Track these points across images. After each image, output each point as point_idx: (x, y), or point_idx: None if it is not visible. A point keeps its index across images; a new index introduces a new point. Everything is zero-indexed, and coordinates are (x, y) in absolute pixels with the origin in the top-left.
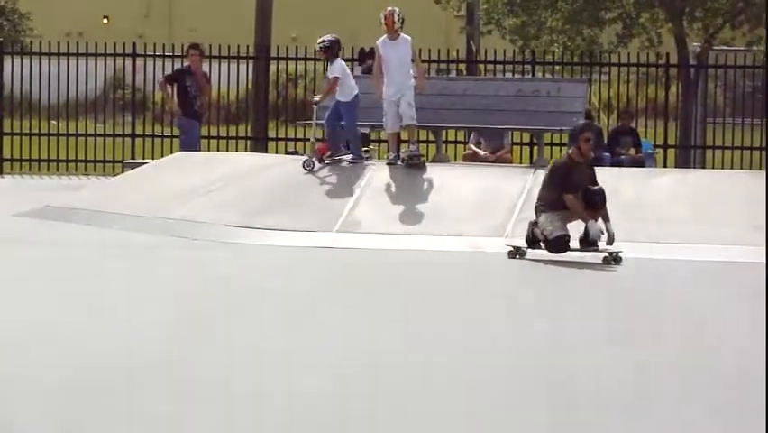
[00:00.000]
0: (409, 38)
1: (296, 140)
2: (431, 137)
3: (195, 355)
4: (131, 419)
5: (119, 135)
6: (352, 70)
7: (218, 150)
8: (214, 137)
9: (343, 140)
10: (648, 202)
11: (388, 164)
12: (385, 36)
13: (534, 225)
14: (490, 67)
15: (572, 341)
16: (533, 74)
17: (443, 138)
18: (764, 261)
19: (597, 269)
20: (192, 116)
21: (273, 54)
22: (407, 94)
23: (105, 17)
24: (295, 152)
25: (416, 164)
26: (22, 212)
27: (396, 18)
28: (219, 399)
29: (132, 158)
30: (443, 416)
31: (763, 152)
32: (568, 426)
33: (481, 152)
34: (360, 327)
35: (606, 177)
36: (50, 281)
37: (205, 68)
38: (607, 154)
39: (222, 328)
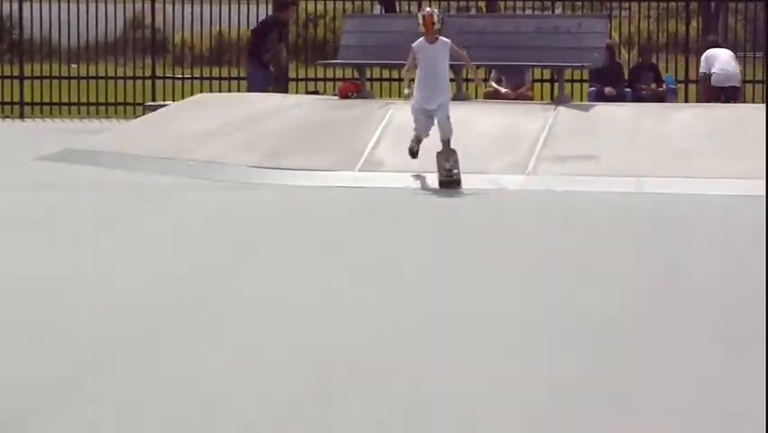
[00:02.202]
0: (449, 42)
1: (316, 80)
2: (451, 75)
3: (221, 296)
4: (159, 355)
5: (139, 78)
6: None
7: (239, 91)
8: (234, 78)
9: None
10: (670, 136)
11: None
12: (422, 39)
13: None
14: (510, 4)
15: (605, 274)
16: (552, 10)
17: (464, 76)
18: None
19: (614, 200)
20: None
21: None
22: (445, 106)
23: None
24: (315, 92)
25: (453, 185)
26: (43, 155)
27: (435, 19)
28: (252, 338)
29: (153, 100)
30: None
31: None
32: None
33: (502, 90)
34: (392, 265)
35: (627, 112)
36: (75, 225)
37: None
38: (628, 90)
39: (252, 269)
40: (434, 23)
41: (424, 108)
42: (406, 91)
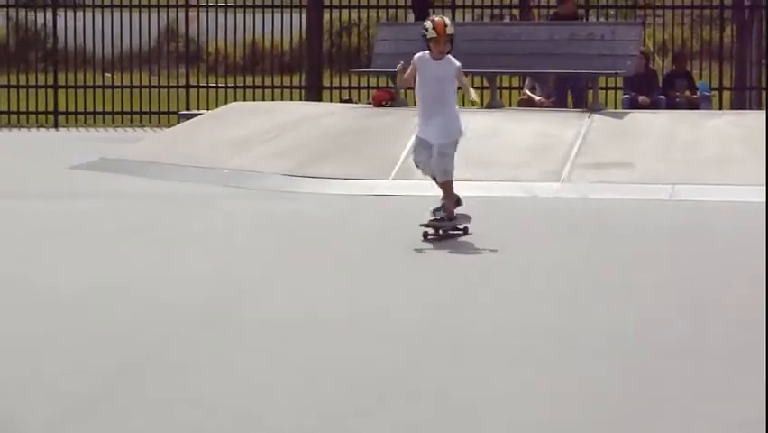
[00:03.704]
0: (458, 64)
1: (350, 88)
2: (485, 83)
3: (262, 301)
4: (192, 363)
5: (173, 86)
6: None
7: (272, 99)
8: (268, 87)
9: None
10: (704, 144)
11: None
12: (426, 53)
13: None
14: (544, 12)
15: (638, 284)
16: (587, 18)
17: (498, 84)
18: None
19: (648, 208)
20: None
21: (326, 2)
22: (443, 138)
23: None
24: (349, 101)
25: (429, 235)
26: (78, 165)
27: (448, 29)
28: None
29: (187, 109)
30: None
31: None
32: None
33: (536, 98)
34: (422, 273)
35: (661, 119)
36: (110, 234)
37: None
38: (662, 97)
39: (289, 277)
40: (446, 31)
41: (418, 137)
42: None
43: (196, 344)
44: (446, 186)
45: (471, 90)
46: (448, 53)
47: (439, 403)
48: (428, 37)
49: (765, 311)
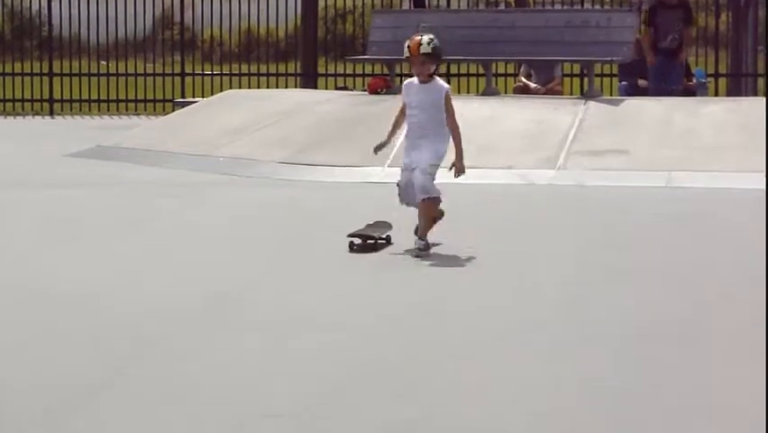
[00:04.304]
0: (446, 87)
1: (345, 75)
2: (481, 70)
3: (260, 292)
4: (190, 354)
5: (168, 74)
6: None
7: (268, 87)
8: (263, 74)
9: None
10: (700, 131)
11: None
12: (414, 79)
13: None
14: None
15: (633, 270)
16: (582, 4)
17: (493, 71)
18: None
19: (645, 195)
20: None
21: None
22: (426, 157)
23: None
24: (345, 88)
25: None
26: (73, 152)
27: (426, 45)
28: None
29: (183, 97)
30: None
31: None
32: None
33: (532, 85)
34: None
35: (658, 106)
36: (104, 223)
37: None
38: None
39: (290, 265)
40: (420, 50)
41: (404, 163)
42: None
43: (190, 336)
44: (426, 206)
45: (457, 134)
46: (435, 74)
47: (451, 390)
48: (404, 56)
49: (765, 308)
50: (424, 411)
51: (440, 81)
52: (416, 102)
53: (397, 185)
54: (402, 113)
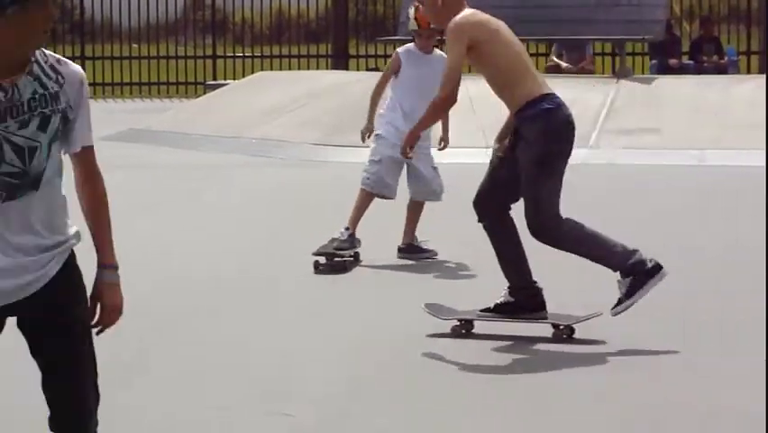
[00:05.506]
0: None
1: (376, 56)
2: None
3: (292, 273)
4: (222, 331)
5: (200, 57)
6: None
7: (299, 68)
8: (294, 56)
9: None
10: (732, 109)
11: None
12: (411, 45)
13: None
14: None
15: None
16: None
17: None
18: None
19: (677, 173)
20: None
21: None
22: (426, 155)
23: None
24: (375, 69)
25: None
26: (106, 135)
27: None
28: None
29: (214, 79)
30: None
31: None
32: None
33: (563, 64)
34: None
35: (689, 84)
36: (142, 204)
37: None
38: (690, 62)
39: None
40: (431, 25)
41: (389, 132)
42: (363, 129)
43: (212, 316)
44: (421, 206)
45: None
46: (437, 47)
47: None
48: (410, 28)
49: (765, 309)
50: None
51: (439, 52)
52: (423, 74)
53: (378, 162)
54: (382, 86)
